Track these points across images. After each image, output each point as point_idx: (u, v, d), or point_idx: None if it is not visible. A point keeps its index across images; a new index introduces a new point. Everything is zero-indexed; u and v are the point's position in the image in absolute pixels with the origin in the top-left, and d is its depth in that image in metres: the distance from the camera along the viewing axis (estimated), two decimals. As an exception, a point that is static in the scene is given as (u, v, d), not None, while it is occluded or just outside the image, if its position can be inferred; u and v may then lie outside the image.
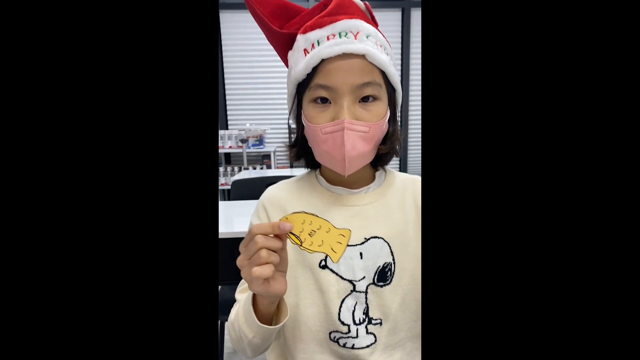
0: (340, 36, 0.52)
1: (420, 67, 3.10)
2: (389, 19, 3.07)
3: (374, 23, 0.58)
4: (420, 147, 3.25)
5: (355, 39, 0.52)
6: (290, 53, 0.58)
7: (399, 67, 3.16)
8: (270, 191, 0.66)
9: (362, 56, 0.52)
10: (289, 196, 0.64)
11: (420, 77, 3.13)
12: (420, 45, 3.06)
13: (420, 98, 3.18)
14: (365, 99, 0.53)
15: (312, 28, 0.54)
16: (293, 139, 0.64)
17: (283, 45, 0.59)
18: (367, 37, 0.53)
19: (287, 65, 0.60)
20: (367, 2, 0.59)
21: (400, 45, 3.13)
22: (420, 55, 3.12)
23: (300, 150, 0.62)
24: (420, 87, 3.13)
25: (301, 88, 0.56)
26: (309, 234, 0.48)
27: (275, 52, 0.64)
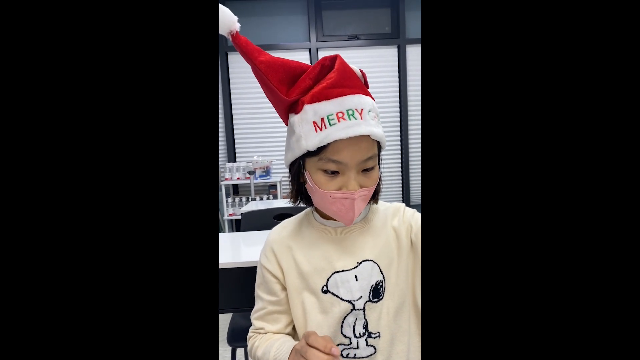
0: (348, 116, 0.61)
1: (416, 97, 3.26)
2: (387, 54, 3.27)
3: (366, 86, 0.67)
4: (419, 178, 3.35)
5: (361, 117, 0.61)
6: (297, 119, 0.64)
7: (397, 99, 3.31)
8: (275, 232, 0.76)
9: (367, 135, 0.61)
10: (290, 233, 0.74)
11: (417, 108, 3.28)
12: (414, 77, 3.23)
13: (418, 130, 3.31)
14: (366, 169, 0.64)
15: (319, 99, 0.61)
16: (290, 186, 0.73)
17: (286, 107, 0.68)
18: (369, 112, 0.62)
19: (286, 123, 0.70)
20: (362, 70, 0.67)
21: (397, 78, 3.30)
22: (415, 87, 3.26)
23: (299, 199, 0.72)
24: (417, 118, 3.27)
25: (309, 154, 0.64)
26: None
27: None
